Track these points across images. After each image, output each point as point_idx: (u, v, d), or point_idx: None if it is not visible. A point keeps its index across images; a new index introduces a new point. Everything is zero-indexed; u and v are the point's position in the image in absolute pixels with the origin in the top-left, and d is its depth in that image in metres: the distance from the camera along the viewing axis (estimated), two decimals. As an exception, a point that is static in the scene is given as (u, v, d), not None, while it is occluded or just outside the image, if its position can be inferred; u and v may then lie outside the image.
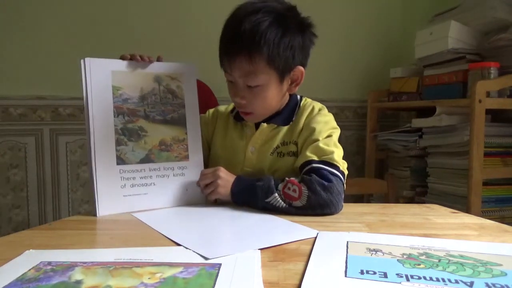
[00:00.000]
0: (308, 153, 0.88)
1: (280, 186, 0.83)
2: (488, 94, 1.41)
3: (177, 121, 0.93)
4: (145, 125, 0.89)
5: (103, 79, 0.85)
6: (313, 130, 0.92)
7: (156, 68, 0.92)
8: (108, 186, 0.83)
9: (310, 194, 0.81)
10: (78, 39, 1.90)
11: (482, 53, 1.59)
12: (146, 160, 0.88)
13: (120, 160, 0.85)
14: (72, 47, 1.88)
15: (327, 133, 0.92)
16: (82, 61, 0.83)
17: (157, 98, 0.91)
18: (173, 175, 0.90)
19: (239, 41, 0.84)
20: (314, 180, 0.82)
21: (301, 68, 0.91)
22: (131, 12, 1.96)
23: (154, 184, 0.87)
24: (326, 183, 0.82)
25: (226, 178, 0.88)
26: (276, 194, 0.82)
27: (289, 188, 0.82)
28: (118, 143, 0.85)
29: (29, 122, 1.91)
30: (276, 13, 0.84)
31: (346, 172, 0.90)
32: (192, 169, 0.92)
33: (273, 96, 0.91)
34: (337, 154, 0.89)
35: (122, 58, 0.90)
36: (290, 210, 0.82)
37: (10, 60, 1.87)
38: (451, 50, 1.57)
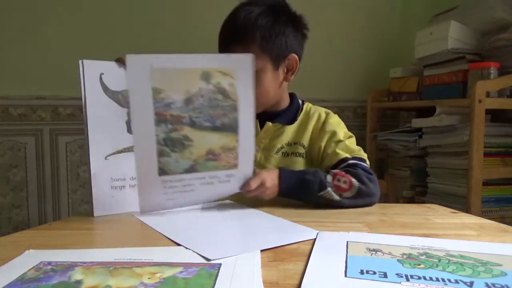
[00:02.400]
0: (340, 152, 0.94)
1: (329, 179, 0.85)
2: (488, 94, 1.41)
3: (226, 127, 0.82)
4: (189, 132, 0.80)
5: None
6: (333, 132, 0.98)
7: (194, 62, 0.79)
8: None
9: (360, 185, 0.85)
10: (78, 39, 1.90)
11: (482, 53, 1.59)
12: (190, 170, 0.81)
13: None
14: (72, 47, 1.88)
15: (345, 132, 0.99)
16: (80, 62, 0.83)
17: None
18: (219, 181, 0.84)
19: (233, 30, 0.90)
20: (361, 172, 0.87)
21: (295, 56, 0.95)
22: (133, 11, 1.96)
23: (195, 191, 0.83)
24: (370, 175, 0.88)
25: (271, 183, 0.84)
26: (329, 189, 0.84)
27: (338, 180, 0.85)
28: (159, 153, 0.78)
29: (29, 122, 1.91)
30: (267, 5, 0.91)
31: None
32: (239, 177, 0.85)
33: (270, 83, 0.94)
34: (363, 150, 0.96)
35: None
36: (342, 202, 0.85)
37: (10, 60, 1.87)
38: (451, 50, 1.57)
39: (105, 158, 0.84)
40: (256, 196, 0.84)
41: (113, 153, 0.85)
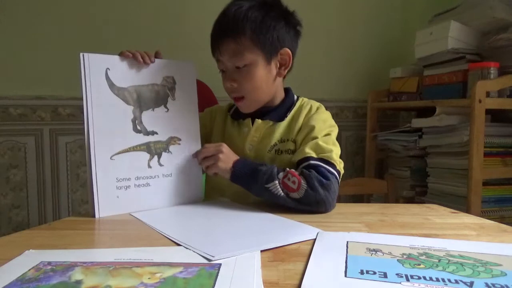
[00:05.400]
0: (307, 150, 0.89)
1: (281, 175, 0.85)
2: (488, 94, 1.41)
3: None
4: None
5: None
6: (312, 127, 0.93)
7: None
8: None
9: (308, 189, 0.82)
10: (78, 38, 1.90)
11: (482, 53, 1.59)
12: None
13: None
14: (72, 47, 1.88)
15: (326, 131, 0.94)
16: (81, 55, 0.80)
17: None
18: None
19: (224, 24, 0.90)
20: (313, 176, 0.83)
21: (288, 50, 0.93)
22: (132, 11, 1.96)
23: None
24: (324, 181, 0.83)
25: (228, 154, 0.90)
26: (276, 182, 0.84)
27: (288, 179, 0.84)
28: None
29: (29, 122, 1.91)
30: (258, 0, 0.91)
31: (342, 172, 0.91)
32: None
33: (262, 77, 0.92)
34: (335, 153, 0.90)
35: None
36: (286, 200, 0.83)
37: (10, 60, 1.87)
38: (451, 50, 1.58)
39: (111, 158, 0.83)
40: (209, 161, 0.89)
41: (119, 153, 0.84)
